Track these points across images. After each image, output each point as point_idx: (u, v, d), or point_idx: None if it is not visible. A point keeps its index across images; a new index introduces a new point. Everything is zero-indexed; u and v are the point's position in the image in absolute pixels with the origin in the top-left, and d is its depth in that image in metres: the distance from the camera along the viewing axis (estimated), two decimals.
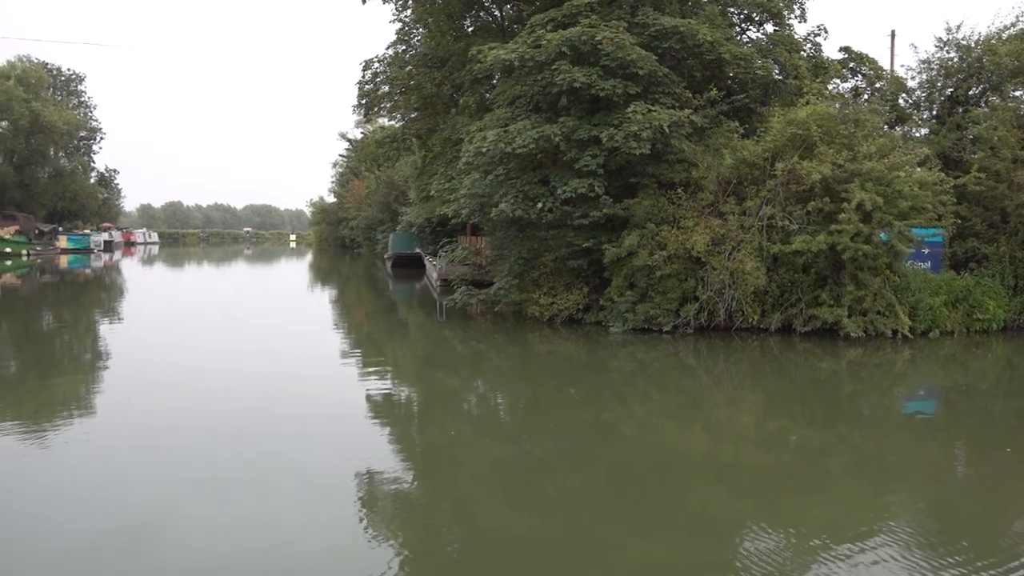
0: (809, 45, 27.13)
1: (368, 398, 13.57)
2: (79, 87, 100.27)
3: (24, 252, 71.16)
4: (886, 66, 30.85)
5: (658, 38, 21.34)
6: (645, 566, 6.86)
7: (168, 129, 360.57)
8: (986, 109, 23.34)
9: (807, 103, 20.52)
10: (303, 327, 24.26)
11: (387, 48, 30.67)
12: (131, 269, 61.18)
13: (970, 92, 24.52)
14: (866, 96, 25.95)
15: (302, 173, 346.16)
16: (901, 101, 25.79)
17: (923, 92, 25.57)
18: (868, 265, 18.72)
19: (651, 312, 19.70)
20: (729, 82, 23.41)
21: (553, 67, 20.14)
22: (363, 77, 30.55)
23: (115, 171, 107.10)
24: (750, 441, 11.17)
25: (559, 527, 7.65)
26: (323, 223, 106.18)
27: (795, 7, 26.66)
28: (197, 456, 9.61)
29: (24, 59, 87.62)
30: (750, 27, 26.77)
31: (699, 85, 22.21)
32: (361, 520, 7.71)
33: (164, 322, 24.48)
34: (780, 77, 23.97)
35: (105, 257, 75.55)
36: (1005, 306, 20.56)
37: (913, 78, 25.83)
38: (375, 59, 30.43)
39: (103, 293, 39.14)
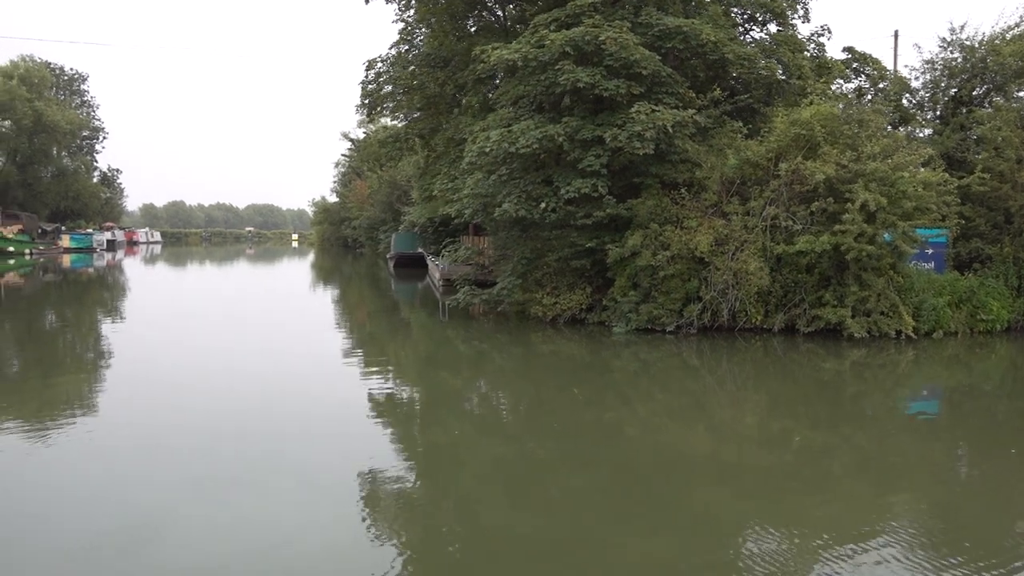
0: (813, 45, 27.09)
1: (370, 398, 13.55)
2: (82, 87, 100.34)
3: (27, 251, 71.25)
4: (889, 66, 30.76)
5: (662, 38, 21.31)
6: (647, 566, 6.84)
7: (170, 128, 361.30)
8: (990, 109, 23.30)
9: (811, 103, 20.47)
10: (305, 326, 24.25)
11: (390, 48, 30.65)
12: (133, 268, 61.23)
13: (974, 92, 24.49)
14: (869, 96, 25.92)
15: (304, 173, 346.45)
16: (905, 101, 25.75)
17: (927, 92, 25.54)
18: (872, 266, 18.68)
19: (654, 312, 19.67)
20: (733, 82, 23.37)
21: (557, 67, 20.11)
22: (366, 77, 30.55)
23: (118, 171, 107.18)
24: (753, 441, 11.13)
25: (561, 527, 7.62)
26: (325, 223, 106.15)
27: (798, 7, 26.60)
28: (198, 456, 9.59)
29: (27, 59, 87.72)
30: (753, 27, 26.73)
31: (703, 85, 22.16)
32: (362, 520, 7.68)
33: (166, 321, 24.47)
34: (784, 77, 23.93)
35: (108, 256, 75.64)
36: (1009, 307, 20.50)
37: (917, 78, 25.83)
38: (378, 59, 30.43)
39: (106, 292, 39.15)
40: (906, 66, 27.89)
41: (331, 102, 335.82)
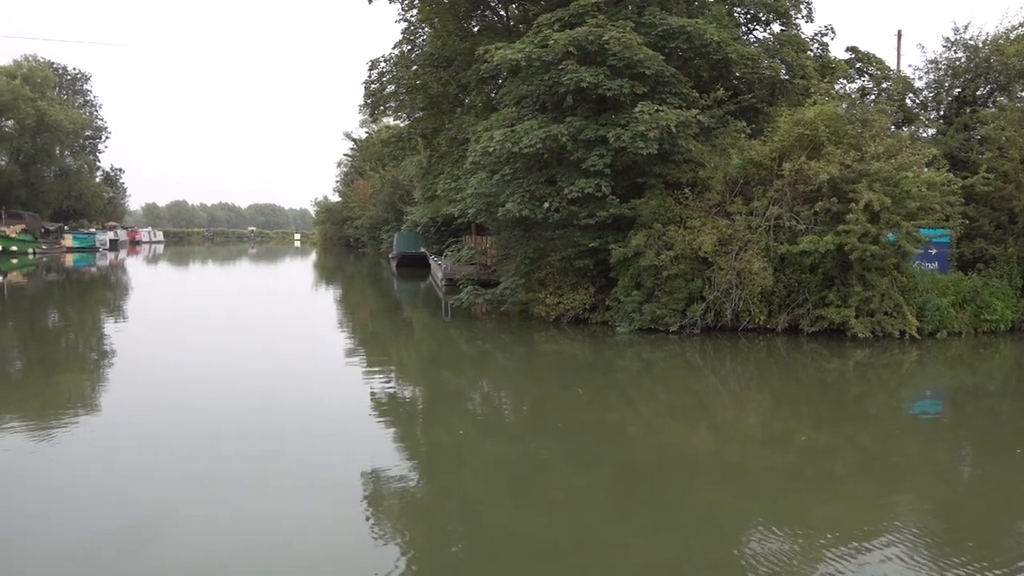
0: (816, 45, 27.02)
1: (372, 397, 13.53)
2: (85, 86, 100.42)
3: (30, 251, 71.36)
4: (893, 66, 30.70)
5: (665, 38, 21.29)
6: (650, 566, 6.81)
7: (172, 128, 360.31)
8: (994, 109, 23.24)
9: (814, 103, 20.43)
10: (307, 326, 24.25)
11: (393, 48, 30.71)
12: (136, 268, 61.32)
13: (978, 92, 24.42)
14: (873, 96, 25.86)
15: (306, 172, 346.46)
16: (908, 101, 25.68)
17: (930, 92, 25.47)
18: (876, 266, 18.62)
19: (657, 312, 19.63)
20: (736, 82, 23.34)
21: (560, 67, 20.08)
22: (369, 77, 30.59)
23: (120, 170, 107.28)
24: (756, 441, 11.09)
25: (564, 527, 7.59)
26: (327, 222, 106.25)
27: (802, 7, 26.56)
28: (198, 456, 9.56)
29: (30, 58, 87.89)
30: (757, 27, 26.70)
31: (706, 85, 22.12)
32: (362, 520, 7.65)
33: (169, 321, 24.47)
34: (787, 77, 23.90)
35: (110, 256, 75.80)
36: (1013, 307, 20.43)
37: (920, 78, 25.76)
38: (381, 59, 30.47)
39: (108, 292, 39.20)
40: (910, 66, 27.93)
41: (333, 101, 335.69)
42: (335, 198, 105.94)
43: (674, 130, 19.49)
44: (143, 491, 8.28)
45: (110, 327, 23.84)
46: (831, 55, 27.40)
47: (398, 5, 30.11)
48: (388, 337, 22.79)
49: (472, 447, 10.78)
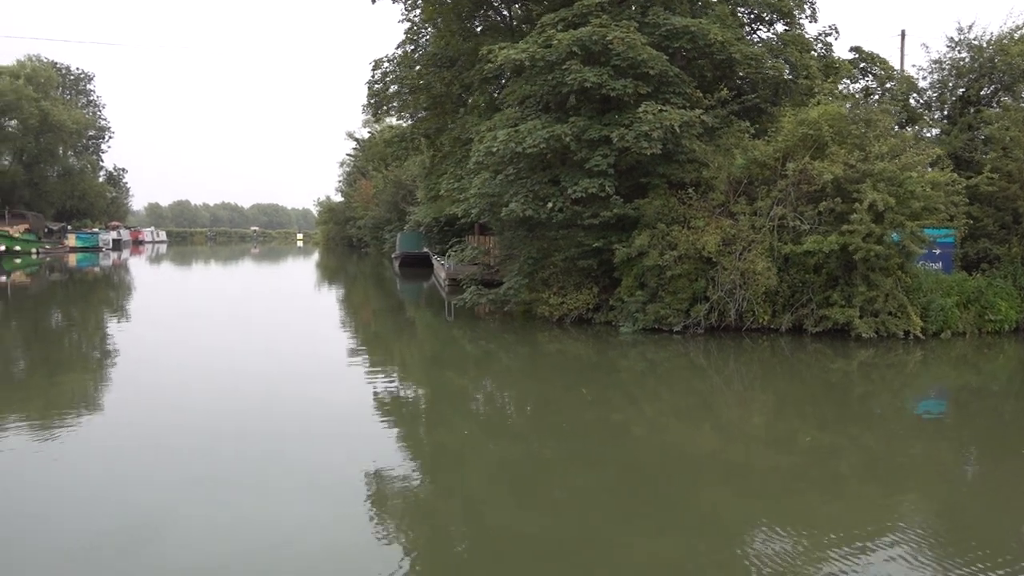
0: (820, 45, 26.93)
1: (375, 397, 13.49)
2: (88, 86, 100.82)
3: (33, 250, 71.47)
4: (897, 66, 30.64)
5: (669, 38, 21.24)
6: (654, 566, 6.78)
7: (175, 128, 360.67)
8: (998, 109, 23.21)
9: (818, 103, 20.39)
10: (310, 326, 24.23)
11: (396, 48, 30.68)
12: (139, 268, 61.38)
13: (982, 92, 24.38)
14: (877, 96, 25.79)
15: (309, 172, 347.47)
16: (912, 101, 25.64)
17: (934, 92, 25.44)
18: (880, 266, 18.58)
19: (661, 312, 19.59)
20: (740, 82, 23.29)
21: (564, 67, 20.04)
22: (372, 76, 30.54)
23: (123, 170, 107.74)
24: (760, 441, 11.06)
25: (568, 527, 7.56)
26: (330, 222, 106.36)
27: (805, 7, 26.48)
28: (199, 456, 9.54)
29: (33, 58, 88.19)
30: (760, 27, 26.63)
31: (710, 85, 22.09)
32: (363, 520, 7.62)
33: (171, 321, 24.48)
34: (791, 77, 23.84)
35: (113, 256, 75.90)
36: (1017, 307, 20.37)
37: (924, 78, 25.75)
38: (384, 59, 30.42)
39: (111, 292, 39.23)
40: (913, 66, 27.96)
41: (336, 101, 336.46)
42: (338, 198, 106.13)
43: (678, 130, 19.45)
44: (143, 491, 8.26)
45: (113, 327, 23.85)
46: (835, 55, 27.31)
47: (401, 5, 30.16)
48: (391, 337, 22.76)
49: (475, 447, 10.74)
